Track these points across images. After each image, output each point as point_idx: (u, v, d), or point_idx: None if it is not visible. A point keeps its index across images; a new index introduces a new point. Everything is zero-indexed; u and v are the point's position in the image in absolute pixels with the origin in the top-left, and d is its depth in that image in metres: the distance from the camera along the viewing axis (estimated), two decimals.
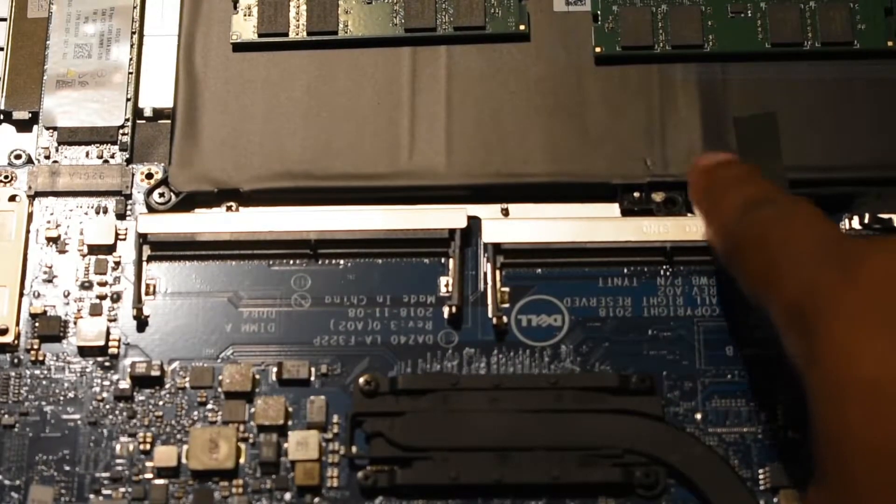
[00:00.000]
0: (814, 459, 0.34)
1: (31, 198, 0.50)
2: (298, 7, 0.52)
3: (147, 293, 0.48)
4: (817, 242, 0.36)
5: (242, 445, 0.46)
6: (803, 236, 0.37)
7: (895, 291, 0.33)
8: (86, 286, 0.48)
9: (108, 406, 0.47)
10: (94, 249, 0.49)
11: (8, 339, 0.47)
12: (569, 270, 0.48)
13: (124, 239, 0.49)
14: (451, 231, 0.48)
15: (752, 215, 0.39)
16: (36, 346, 0.47)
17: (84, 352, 0.47)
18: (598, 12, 0.51)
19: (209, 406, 0.46)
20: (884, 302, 0.33)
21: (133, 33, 0.52)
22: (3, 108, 0.51)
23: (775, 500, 0.44)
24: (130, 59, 0.52)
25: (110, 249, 0.49)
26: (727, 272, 0.41)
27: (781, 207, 0.39)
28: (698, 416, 0.46)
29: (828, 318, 0.34)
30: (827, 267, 0.35)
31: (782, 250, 0.37)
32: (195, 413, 0.46)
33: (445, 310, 0.48)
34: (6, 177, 0.50)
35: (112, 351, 0.47)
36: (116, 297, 0.48)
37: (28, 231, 0.49)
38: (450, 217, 0.48)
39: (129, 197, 0.50)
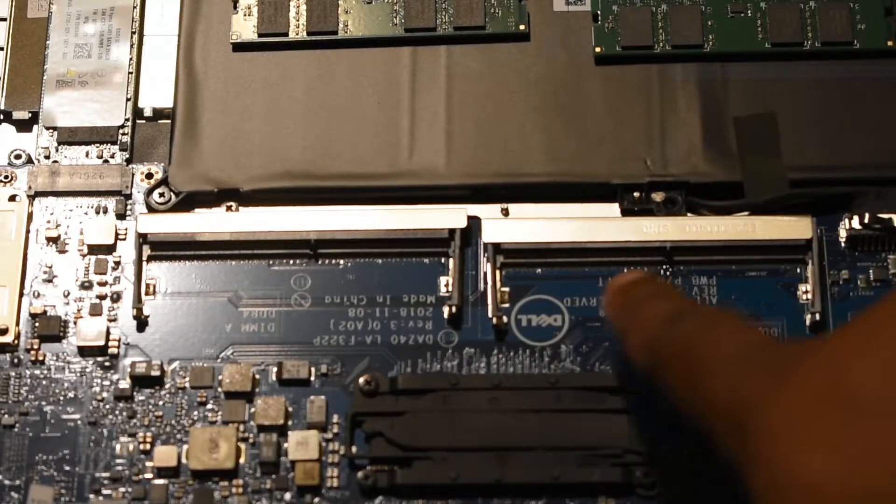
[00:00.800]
0: None
1: (31, 198, 0.50)
2: (298, 7, 0.52)
3: (147, 293, 0.48)
4: (744, 349, 0.36)
5: (242, 445, 0.46)
6: (729, 344, 0.37)
7: (829, 396, 0.32)
8: (86, 286, 0.48)
9: (108, 406, 0.47)
10: (94, 249, 0.49)
11: (8, 339, 0.47)
12: (569, 270, 0.48)
13: (124, 239, 0.49)
14: (451, 231, 0.48)
15: (674, 328, 0.39)
16: (36, 346, 0.47)
17: (84, 352, 0.47)
18: (598, 12, 0.51)
19: (209, 406, 0.46)
20: (819, 407, 0.32)
21: (133, 33, 0.52)
22: (3, 108, 0.51)
23: None
24: (130, 59, 0.52)
25: (110, 249, 0.49)
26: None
27: (704, 319, 0.39)
28: None
29: (765, 426, 0.33)
30: (758, 374, 0.35)
31: (709, 360, 0.36)
32: (195, 413, 0.46)
33: (445, 310, 0.48)
34: (6, 177, 0.50)
35: (112, 351, 0.47)
36: (116, 297, 0.48)
37: (28, 231, 0.49)
38: (450, 217, 0.48)
39: (129, 197, 0.50)
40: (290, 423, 0.46)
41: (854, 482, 0.31)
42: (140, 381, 0.47)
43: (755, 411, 0.33)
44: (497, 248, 0.48)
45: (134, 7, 0.53)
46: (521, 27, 0.51)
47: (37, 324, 0.48)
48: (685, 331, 0.38)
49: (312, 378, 0.47)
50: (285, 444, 0.46)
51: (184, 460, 0.46)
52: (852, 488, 0.31)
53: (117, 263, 0.49)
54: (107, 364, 0.47)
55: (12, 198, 0.50)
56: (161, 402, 0.47)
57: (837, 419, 0.31)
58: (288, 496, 0.45)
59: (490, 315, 0.48)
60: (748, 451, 0.33)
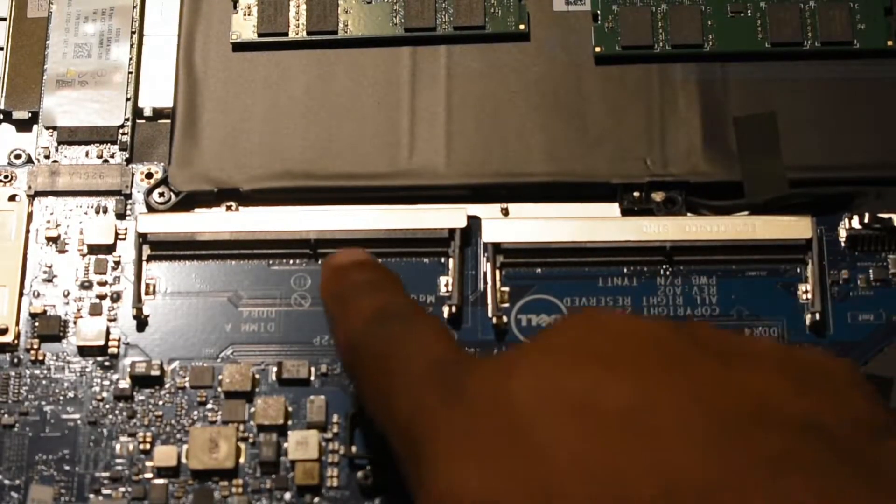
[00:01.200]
0: None
1: (31, 197, 0.50)
2: (298, 7, 0.52)
3: (147, 293, 0.48)
4: (428, 365, 0.35)
5: (242, 445, 0.46)
6: (418, 358, 0.36)
7: (493, 415, 0.31)
8: (86, 286, 0.48)
9: (107, 406, 0.47)
10: (93, 249, 0.49)
11: (8, 338, 0.47)
12: (569, 270, 0.48)
13: (124, 239, 0.49)
14: (451, 231, 0.48)
15: (376, 330, 0.38)
16: (36, 346, 0.47)
17: (84, 351, 0.47)
18: (598, 12, 0.51)
19: (209, 406, 0.46)
20: (480, 424, 0.31)
21: (133, 33, 0.52)
22: (3, 107, 0.51)
23: None
24: (130, 59, 0.52)
25: (110, 249, 0.49)
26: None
27: (405, 325, 0.38)
28: None
29: (430, 445, 0.32)
30: (431, 390, 0.34)
31: (397, 372, 0.36)
32: (195, 413, 0.46)
33: (445, 309, 0.48)
34: (6, 177, 0.50)
35: (112, 351, 0.47)
36: (116, 297, 0.48)
37: (28, 231, 0.49)
38: (450, 217, 0.48)
39: (128, 197, 0.50)
40: (289, 422, 0.46)
41: (510, 498, 0.30)
42: (140, 380, 0.47)
43: (425, 431, 0.33)
44: (497, 248, 0.48)
45: (134, 7, 0.53)
46: (521, 27, 0.51)
47: (37, 323, 0.48)
48: (384, 336, 0.37)
49: (312, 378, 0.47)
50: (285, 444, 0.46)
51: (184, 460, 0.46)
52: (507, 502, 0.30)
53: (117, 263, 0.49)
54: (107, 364, 0.47)
55: (12, 198, 0.50)
56: (161, 402, 0.47)
57: (494, 435, 0.31)
58: (288, 496, 0.45)
59: (490, 315, 0.48)
60: (418, 470, 0.32)
